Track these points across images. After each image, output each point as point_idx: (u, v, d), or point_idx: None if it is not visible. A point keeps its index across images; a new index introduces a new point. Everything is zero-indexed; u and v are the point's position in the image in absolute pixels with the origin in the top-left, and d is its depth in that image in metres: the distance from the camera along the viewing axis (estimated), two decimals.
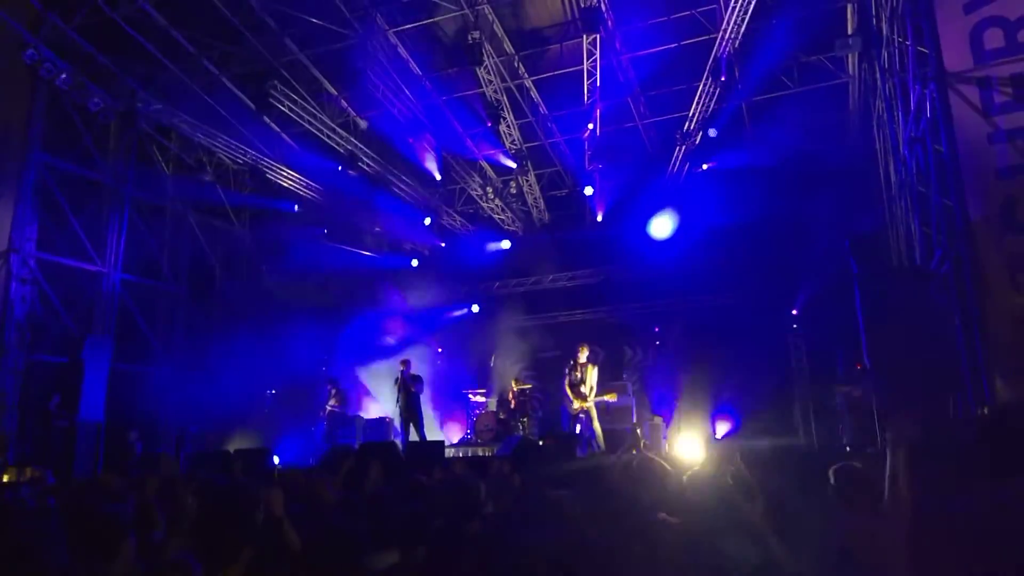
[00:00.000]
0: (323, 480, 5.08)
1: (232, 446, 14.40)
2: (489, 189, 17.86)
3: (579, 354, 13.05)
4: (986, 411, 7.86)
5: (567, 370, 13.19)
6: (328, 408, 15.29)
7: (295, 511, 4.23)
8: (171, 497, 4.48)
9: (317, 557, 3.08)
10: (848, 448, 10.96)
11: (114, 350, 15.17)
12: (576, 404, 12.89)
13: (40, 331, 14.69)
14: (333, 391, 15.44)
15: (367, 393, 17.46)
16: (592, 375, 12.87)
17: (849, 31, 12.75)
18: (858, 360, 11.63)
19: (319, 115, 15.90)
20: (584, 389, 12.83)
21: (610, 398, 13.20)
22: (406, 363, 14.25)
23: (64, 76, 13.98)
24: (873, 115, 13.28)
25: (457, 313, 19.23)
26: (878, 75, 12.35)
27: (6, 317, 13.90)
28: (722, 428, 14.57)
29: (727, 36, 12.46)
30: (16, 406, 13.96)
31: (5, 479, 11.96)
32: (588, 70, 13.85)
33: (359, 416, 16.21)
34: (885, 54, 11.61)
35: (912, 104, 10.17)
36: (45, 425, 13.99)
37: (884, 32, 11.40)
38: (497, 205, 18.55)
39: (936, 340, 9.05)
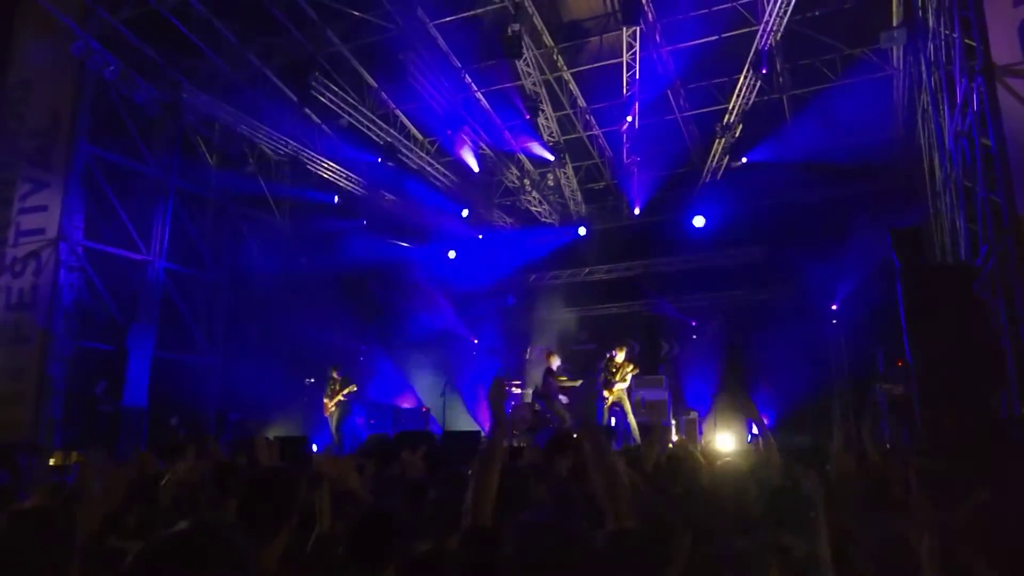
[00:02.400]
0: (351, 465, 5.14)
1: (271, 434, 14.62)
2: (526, 181, 17.89)
3: (616, 354, 13.21)
4: None
5: (602, 368, 13.37)
6: (339, 397, 14.50)
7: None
8: (215, 481, 4.59)
9: (354, 541, 3.12)
10: (889, 447, 10.81)
11: (157, 338, 15.50)
12: (610, 399, 13.06)
13: (86, 318, 15.03)
14: (340, 378, 14.66)
15: (404, 383, 17.61)
16: (628, 374, 13.03)
17: (894, 23, 12.53)
18: (900, 357, 11.45)
19: (359, 107, 16.04)
20: (617, 384, 13.02)
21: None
22: (551, 355, 14.32)
23: (111, 68, 14.27)
24: (918, 108, 13.05)
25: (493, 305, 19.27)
26: (923, 68, 12.13)
27: (54, 304, 14.24)
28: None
29: (769, 28, 12.31)
30: (63, 391, 14.31)
31: (52, 462, 12.28)
32: (627, 62, 13.80)
33: (396, 406, 16.36)
34: (931, 47, 11.39)
35: (958, 97, 9.99)
36: (90, 410, 14.34)
37: (930, 24, 11.19)
38: (534, 197, 18.56)
39: (981, 337, 8.90)
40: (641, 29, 13.01)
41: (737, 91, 13.94)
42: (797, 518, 3.55)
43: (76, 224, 14.82)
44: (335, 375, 14.71)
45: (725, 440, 13.20)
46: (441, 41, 14.57)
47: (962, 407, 8.30)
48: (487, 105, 16.13)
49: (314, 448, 13.35)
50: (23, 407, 13.86)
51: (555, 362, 13.88)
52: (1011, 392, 8.52)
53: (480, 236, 19.50)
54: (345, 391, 14.52)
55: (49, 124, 15.01)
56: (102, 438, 13.92)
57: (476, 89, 15.74)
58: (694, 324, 17.20)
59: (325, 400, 14.64)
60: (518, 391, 16.80)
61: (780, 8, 11.90)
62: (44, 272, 14.40)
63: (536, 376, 16.46)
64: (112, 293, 15.44)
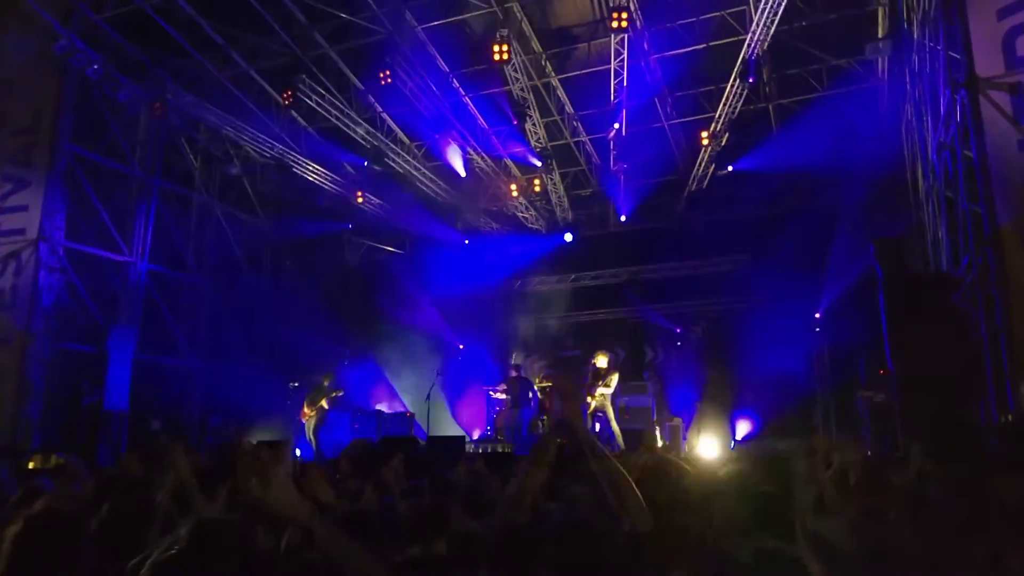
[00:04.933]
0: (322, 474, 5.13)
1: (254, 438, 14.52)
2: (513, 187, 17.87)
3: (597, 359, 13.26)
4: (1010, 418, 7.79)
5: (587, 375, 13.43)
6: (322, 403, 14.39)
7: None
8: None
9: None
10: (869, 453, 10.87)
11: (139, 340, 15.34)
12: (592, 403, 13.11)
13: (67, 320, 14.86)
14: (327, 387, 14.55)
15: (389, 387, 17.55)
16: (612, 380, 13.07)
17: (880, 35, 12.64)
18: (881, 365, 11.54)
19: (346, 110, 15.99)
20: (601, 389, 13.06)
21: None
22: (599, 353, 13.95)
23: (95, 67, 14.16)
24: (902, 120, 13.17)
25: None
26: (908, 79, 12.24)
27: (34, 305, 14.08)
28: (742, 430, 14.50)
29: (756, 38, 12.37)
30: (42, 393, 14.14)
31: (31, 466, 12.09)
32: (615, 69, 13.82)
33: (380, 411, 16.30)
34: (916, 58, 11.50)
35: (942, 109, 10.08)
36: (70, 412, 14.17)
37: (915, 36, 11.29)
38: (521, 203, 18.55)
39: (961, 346, 8.98)
40: (629, 36, 13.03)
41: (724, 100, 14.00)
42: (781, 522, 3.56)
43: (57, 224, 14.66)
44: (326, 384, 14.58)
45: (708, 447, 13.24)
46: (429, 45, 14.56)
47: (942, 415, 8.37)
48: (475, 110, 16.13)
49: (297, 452, 13.29)
50: (1, 409, 13.69)
51: (601, 361, 13.70)
52: (989, 401, 8.60)
53: (467, 241, 19.48)
54: (331, 395, 14.41)
55: (31, 123, 14.86)
56: (82, 441, 13.76)
57: (464, 93, 15.73)
58: (679, 331, 17.24)
59: (304, 405, 14.52)
60: (503, 396, 16.75)
61: (767, 18, 11.96)
62: (24, 273, 14.23)
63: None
64: (93, 294, 15.28)
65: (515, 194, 17.86)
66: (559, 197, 18.24)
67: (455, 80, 15.41)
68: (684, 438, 14.08)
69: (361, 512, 3.56)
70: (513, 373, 14.97)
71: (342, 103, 15.89)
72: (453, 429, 16.11)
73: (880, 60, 13.27)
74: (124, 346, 14.78)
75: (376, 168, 17.08)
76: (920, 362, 9.04)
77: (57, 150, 14.65)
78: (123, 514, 3.38)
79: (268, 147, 16.85)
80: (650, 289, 17.71)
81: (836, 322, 14.72)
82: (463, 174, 17.57)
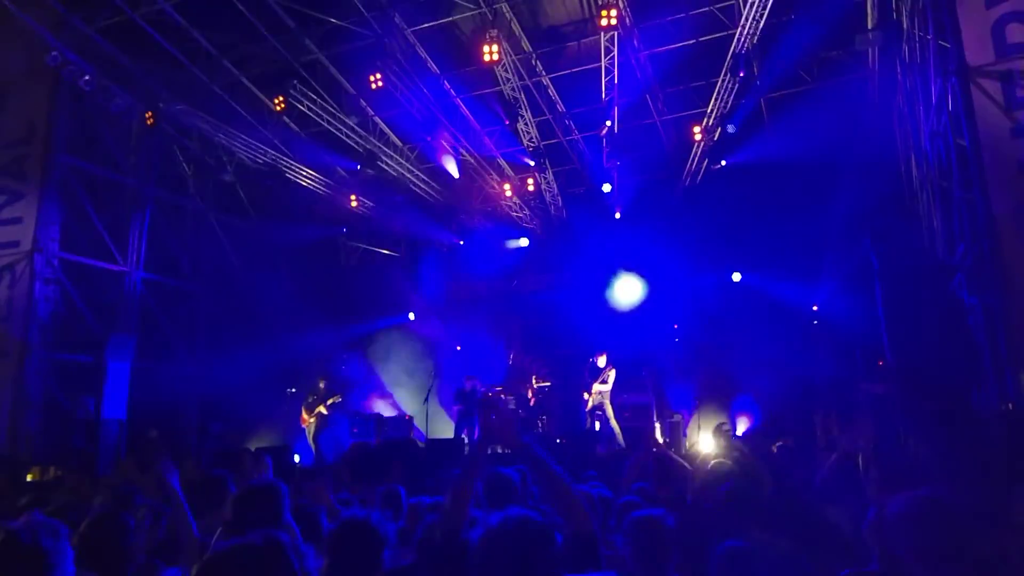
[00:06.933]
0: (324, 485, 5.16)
1: (253, 444, 14.51)
2: (507, 187, 17.86)
3: (597, 359, 13.38)
4: (1010, 407, 7.79)
5: (586, 375, 13.54)
6: (321, 408, 14.37)
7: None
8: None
9: (341, 551, 3.10)
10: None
11: (136, 348, 15.31)
12: (591, 401, 13.21)
13: (63, 330, 14.85)
14: (324, 390, 14.57)
15: (386, 392, 17.52)
16: (610, 377, 13.18)
17: (869, 25, 12.64)
18: (880, 356, 11.54)
19: (337, 114, 15.98)
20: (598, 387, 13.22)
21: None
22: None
23: (87, 78, 14.14)
24: (894, 110, 13.18)
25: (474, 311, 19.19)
26: (899, 69, 12.26)
27: (30, 317, 14.07)
28: (742, 425, 14.48)
29: (745, 32, 12.39)
30: (39, 404, 14.10)
31: (29, 478, 12.04)
32: (606, 67, 13.81)
33: (379, 414, 16.27)
34: (906, 48, 11.51)
35: (933, 98, 10.09)
36: (69, 423, 14.15)
37: (905, 26, 11.31)
38: (515, 203, 18.53)
39: (959, 335, 8.98)
40: (619, 33, 13.02)
41: (715, 94, 14.01)
42: (783, 516, 3.57)
43: (52, 236, 14.65)
44: (322, 386, 14.58)
45: (709, 442, 13.23)
46: (419, 47, 14.54)
47: (941, 404, 8.37)
48: (467, 111, 16.12)
49: (296, 458, 13.29)
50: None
51: (602, 361, 13.79)
52: (989, 389, 8.60)
53: (461, 242, 19.45)
54: (329, 401, 14.39)
55: (24, 134, 14.86)
56: (81, 450, 13.74)
57: (455, 95, 15.72)
58: (676, 327, 17.20)
59: (303, 411, 14.51)
60: (501, 397, 16.74)
61: (756, 12, 11.97)
62: (19, 285, 14.22)
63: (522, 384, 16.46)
64: (90, 304, 15.26)
65: (509, 194, 17.85)
66: (553, 196, 18.21)
67: (446, 82, 15.40)
68: (684, 434, 14.08)
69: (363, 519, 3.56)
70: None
71: (333, 107, 15.88)
72: (452, 431, 16.07)
73: (871, 51, 13.27)
74: (121, 355, 14.76)
75: (369, 171, 17.06)
76: (918, 352, 9.05)
77: (51, 161, 14.64)
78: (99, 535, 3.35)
79: (261, 153, 16.84)
80: (647, 283, 17.65)
81: (834, 314, 14.71)
82: (456, 175, 17.56)
